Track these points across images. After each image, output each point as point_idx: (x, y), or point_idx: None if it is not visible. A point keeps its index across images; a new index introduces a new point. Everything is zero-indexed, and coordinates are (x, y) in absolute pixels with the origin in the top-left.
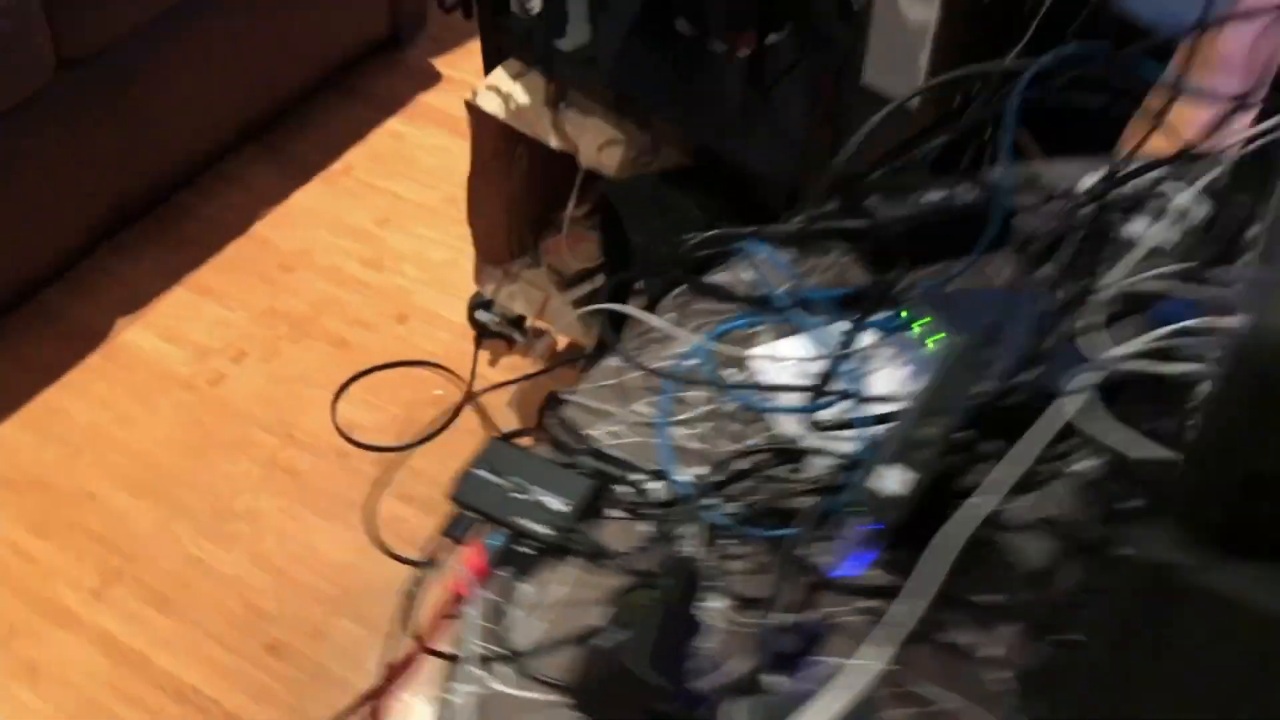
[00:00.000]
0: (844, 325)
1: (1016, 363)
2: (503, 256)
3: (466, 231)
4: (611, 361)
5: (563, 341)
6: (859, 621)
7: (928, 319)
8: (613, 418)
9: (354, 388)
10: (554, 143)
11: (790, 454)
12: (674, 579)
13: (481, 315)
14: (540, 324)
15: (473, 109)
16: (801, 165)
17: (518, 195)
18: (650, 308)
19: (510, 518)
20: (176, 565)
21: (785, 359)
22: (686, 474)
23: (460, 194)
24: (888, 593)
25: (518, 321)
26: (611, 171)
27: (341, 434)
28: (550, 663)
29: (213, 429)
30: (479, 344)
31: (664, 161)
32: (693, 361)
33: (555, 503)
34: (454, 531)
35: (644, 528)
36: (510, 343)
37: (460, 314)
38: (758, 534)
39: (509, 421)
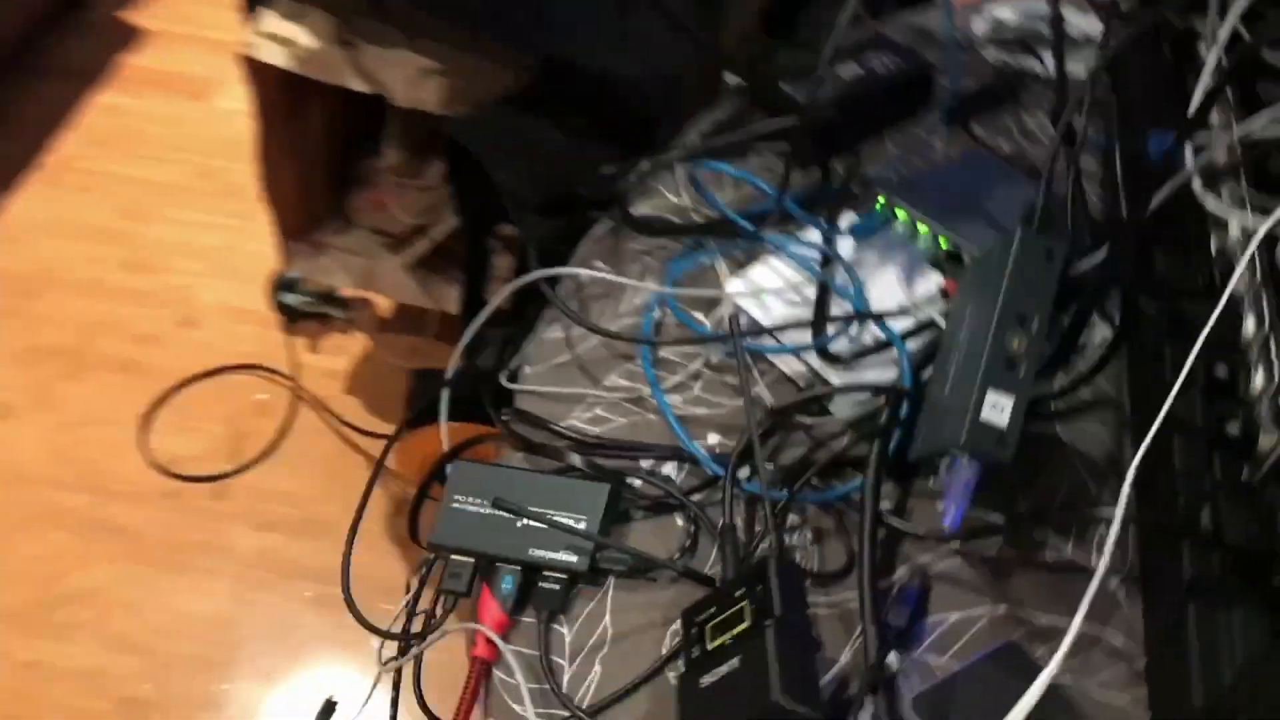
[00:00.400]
0: (816, 235)
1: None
2: (306, 227)
3: (235, 207)
4: (553, 333)
5: (389, 307)
6: (951, 567)
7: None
8: (585, 400)
9: (159, 415)
10: (357, 85)
11: (817, 400)
12: (774, 583)
13: (287, 297)
14: (363, 293)
15: (250, 63)
16: (681, 64)
17: (315, 154)
18: (545, 260)
19: (523, 553)
20: (9, 678)
21: (770, 288)
22: (704, 447)
23: (213, 163)
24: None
25: (330, 296)
26: (436, 106)
27: (163, 471)
28: (633, 713)
29: (1, 506)
30: (291, 331)
31: (494, 86)
32: (657, 314)
33: (570, 519)
34: (454, 585)
35: (678, 520)
36: (327, 321)
37: (258, 301)
38: (824, 498)
39: (352, 410)
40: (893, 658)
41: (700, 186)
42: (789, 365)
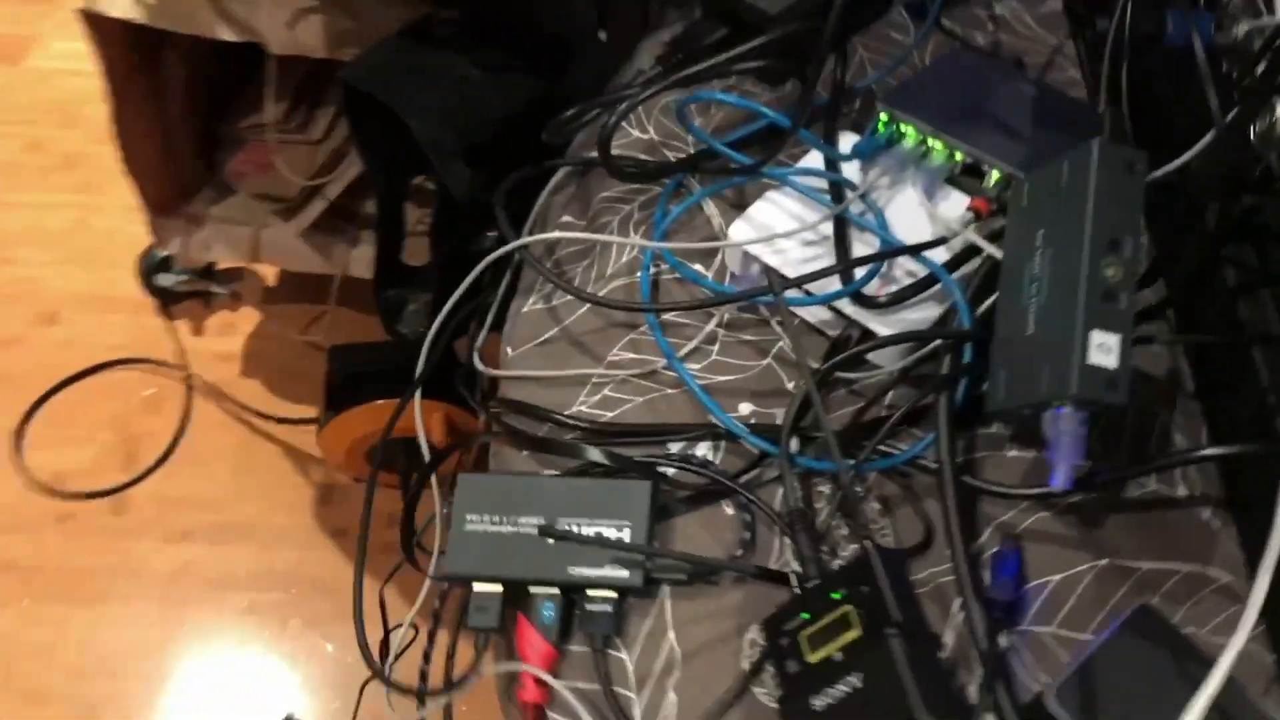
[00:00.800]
0: (814, 162)
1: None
2: (177, 199)
3: (76, 181)
4: (530, 305)
5: (277, 276)
6: (1039, 522)
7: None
8: (589, 382)
9: (33, 428)
10: (224, 34)
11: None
12: (884, 582)
13: (162, 279)
14: (250, 265)
15: (91, 19)
16: None
17: (179, 116)
18: (480, 215)
19: (561, 573)
20: None
21: (780, 229)
22: (737, 420)
23: (42, 133)
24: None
25: (209, 271)
26: (321, 50)
27: (49, 492)
28: None
29: None
30: (169, 315)
31: (385, 22)
32: (653, 271)
33: (612, 528)
34: (483, 621)
35: (727, 509)
36: (209, 299)
37: (124, 285)
38: (893, 463)
39: (254, 394)
40: (1001, 636)
41: (687, 119)
42: (814, 313)
